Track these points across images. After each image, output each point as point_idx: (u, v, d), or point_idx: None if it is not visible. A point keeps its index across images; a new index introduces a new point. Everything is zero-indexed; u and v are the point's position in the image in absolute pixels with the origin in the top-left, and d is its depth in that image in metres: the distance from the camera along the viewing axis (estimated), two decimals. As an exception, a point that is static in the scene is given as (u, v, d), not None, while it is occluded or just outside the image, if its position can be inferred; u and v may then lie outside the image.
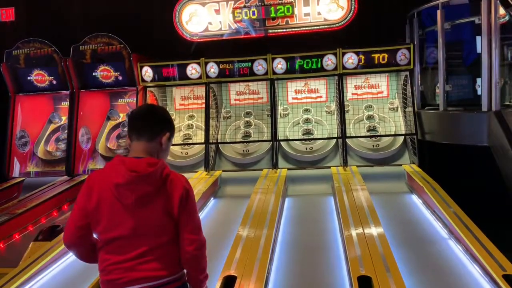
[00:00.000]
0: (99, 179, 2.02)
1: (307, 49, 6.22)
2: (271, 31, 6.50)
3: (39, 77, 6.85)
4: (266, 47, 6.44)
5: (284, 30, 6.47)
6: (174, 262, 2.04)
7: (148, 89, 6.71)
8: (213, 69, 6.39)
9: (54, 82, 6.84)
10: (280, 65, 6.27)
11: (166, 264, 2.00)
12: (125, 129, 6.92)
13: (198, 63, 6.43)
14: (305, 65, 6.22)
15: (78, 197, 2.04)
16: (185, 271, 2.11)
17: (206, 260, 2.17)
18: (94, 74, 6.65)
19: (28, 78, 6.86)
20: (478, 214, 3.87)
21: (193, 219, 2.07)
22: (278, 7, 6.34)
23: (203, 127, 6.47)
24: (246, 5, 6.44)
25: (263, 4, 6.39)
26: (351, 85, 6.73)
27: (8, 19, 7.56)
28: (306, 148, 6.26)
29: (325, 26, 6.37)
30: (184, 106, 7.17)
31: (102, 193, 1.97)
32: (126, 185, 1.94)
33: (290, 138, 6.39)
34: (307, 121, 6.63)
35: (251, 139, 6.48)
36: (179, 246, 2.03)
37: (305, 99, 6.90)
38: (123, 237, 1.96)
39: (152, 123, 2.10)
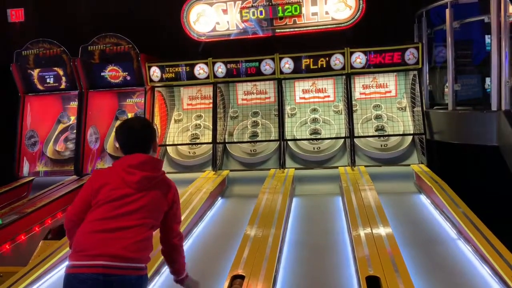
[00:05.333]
0: (109, 169, 2.33)
1: (314, 49, 6.20)
2: (278, 30, 6.50)
3: (48, 77, 6.91)
4: (273, 47, 6.44)
5: (292, 29, 6.46)
6: (146, 251, 2.21)
7: (156, 89, 6.73)
8: (220, 69, 6.40)
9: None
10: (287, 64, 6.26)
11: (141, 250, 2.15)
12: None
13: (206, 63, 6.44)
14: (312, 65, 6.21)
15: (86, 183, 2.31)
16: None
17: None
18: (102, 74, 6.69)
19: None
20: (487, 214, 3.85)
21: (179, 214, 2.47)
22: (285, 7, 6.33)
23: (211, 126, 6.48)
24: (253, 4, 6.45)
25: (270, 3, 6.39)
26: (359, 84, 6.71)
27: (18, 20, 7.63)
28: (314, 148, 6.25)
29: (332, 26, 6.36)
30: (192, 106, 7.19)
31: (111, 176, 2.26)
32: (138, 164, 2.24)
33: (298, 137, 6.38)
34: (314, 120, 6.62)
35: (258, 139, 6.48)
36: (163, 236, 2.41)
37: (313, 99, 6.88)
38: (121, 198, 2.18)
39: (145, 145, 2.38)
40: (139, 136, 2.36)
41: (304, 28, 6.41)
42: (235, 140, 6.56)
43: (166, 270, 3.48)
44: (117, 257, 2.04)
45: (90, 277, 2.01)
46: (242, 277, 3.04)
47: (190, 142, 6.68)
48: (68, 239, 2.31)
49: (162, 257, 3.46)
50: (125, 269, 2.06)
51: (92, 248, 2.06)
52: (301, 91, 6.89)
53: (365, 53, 6.07)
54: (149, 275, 3.19)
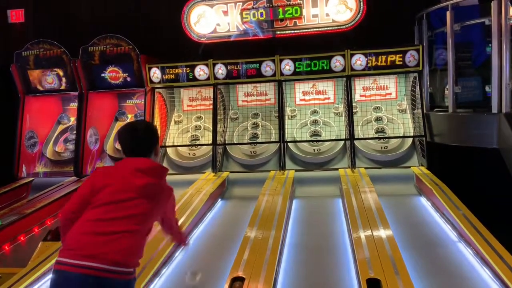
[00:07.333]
0: (113, 169, 2.32)
1: (315, 51, 6.20)
2: (279, 32, 6.49)
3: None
4: (274, 48, 6.43)
5: (292, 31, 6.45)
6: (137, 256, 2.19)
7: (156, 90, 6.72)
8: (221, 70, 6.40)
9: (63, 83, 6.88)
10: (288, 66, 6.26)
11: (132, 255, 2.14)
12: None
13: (206, 65, 6.44)
14: (313, 67, 6.21)
15: (87, 180, 2.28)
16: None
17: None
18: (102, 75, 6.68)
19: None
20: (488, 216, 3.84)
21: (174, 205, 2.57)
22: (286, 9, 6.33)
23: (211, 128, 6.47)
24: (254, 6, 6.44)
25: (271, 5, 6.38)
26: (359, 86, 6.71)
27: (18, 20, 7.62)
28: (314, 150, 6.24)
29: (333, 28, 6.35)
30: (192, 107, 7.19)
31: (116, 177, 2.25)
32: (147, 170, 2.25)
33: (298, 139, 6.38)
34: (314, 122, 6.62)
35: (258, 140, 6.47)
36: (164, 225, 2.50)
37: (313, 101, 6.88)
38: (123, 201, 2.17)
39: (149, 147, 2.39)
40: (143, 138, 2.37)
41: (305, 30, 6.40)
42: (235, 142, 6.56)
43: (165, 272, 3.48)
44: (109, 260, 2.02)
45: (79, 277, 1.99)
46: (242, 279, 3.03)
47: (190, 143, 6.67)
48: (61, 235, 2.28)
49: (162, 258, 3.48)
50: (116, 273, 2.04)
51: (85, 249, 2.04)
52: (301, 93, 6.88)
53: (365, 55, 6.07)
54: (148, 276, 3.20)
